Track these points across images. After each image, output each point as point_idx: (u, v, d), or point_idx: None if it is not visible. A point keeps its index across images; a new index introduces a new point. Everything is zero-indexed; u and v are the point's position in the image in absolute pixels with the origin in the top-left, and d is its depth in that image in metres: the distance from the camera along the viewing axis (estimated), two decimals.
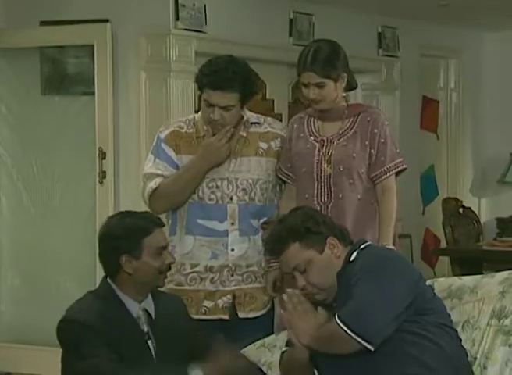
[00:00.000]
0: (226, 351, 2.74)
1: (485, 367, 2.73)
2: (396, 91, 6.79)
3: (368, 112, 3.35)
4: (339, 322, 2.57)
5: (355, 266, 2.69)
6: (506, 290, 2.82)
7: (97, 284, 5.49)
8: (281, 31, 5.89)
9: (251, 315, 3.37)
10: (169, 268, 2.85)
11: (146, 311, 2.79)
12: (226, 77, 3.22)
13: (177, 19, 5.10)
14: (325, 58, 3.25)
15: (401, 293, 2.60)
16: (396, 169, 3.32)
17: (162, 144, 3.36)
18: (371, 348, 2.54)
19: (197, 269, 3.34)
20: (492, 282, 2.88)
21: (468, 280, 2.95)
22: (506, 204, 7.54)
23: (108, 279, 2.82)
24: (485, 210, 7.75)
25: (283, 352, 2.86)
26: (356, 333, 2.54)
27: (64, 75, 5.34)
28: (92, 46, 5.11)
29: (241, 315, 3.35)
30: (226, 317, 3.34)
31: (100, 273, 4.98)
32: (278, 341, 3.04)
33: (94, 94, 5.14)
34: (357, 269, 2.66)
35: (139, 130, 5.09)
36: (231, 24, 5.44)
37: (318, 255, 2.74)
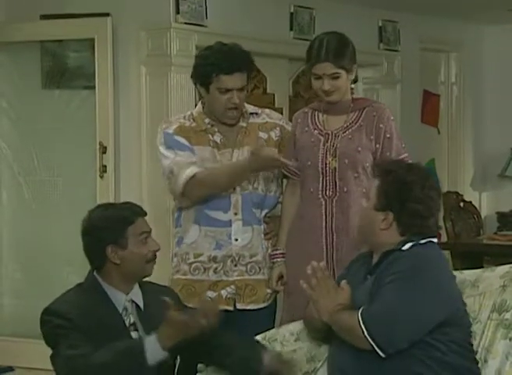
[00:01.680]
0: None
1: (485, 361, 2.73)
2: (396, 84, 6.78)
3: (373, 107, 3.34)
4: (360, 321, 2.57)
5: (401, 259, 2.65)
6: (506, 284, 2.82)
7: None
8: (282, 25, 5.88)
9: (251, 307, 3.37)
10: (155, 256, 2.84)
11: (133, 302, 2.79)
12: (238, 59, 3.27)
13: (178, 12, 5.09)
14: (339, 49, 3.24)
15: (434, 313, 2.60)
16: None
17: (176, 137, 3.35)
18: (382, 355, 2.57)
19: (200, 258, 3.36)
20: (492, 276, 2.88)
21: (469, 274, 2.95)
22: (507, 198, 7.54)
23: (94, 272, 2.82)
24: (486, 204, 7.75)
25: None
26: (372, 339, 2.55)
27: (64, 69, 5.33)
28: (93, 40, 5.10)
29: (239, 306, 3.36)
30: (230, 308, 3.35)
31: None
32: (278, 335, 3.04)
33: (94, 88, 5.13)
34: (402, 265, 2.63)
35: (139, 124, 5.09)
36: (232, 18, 5.43)
37: (373, 209, 2.74)
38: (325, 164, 3.28)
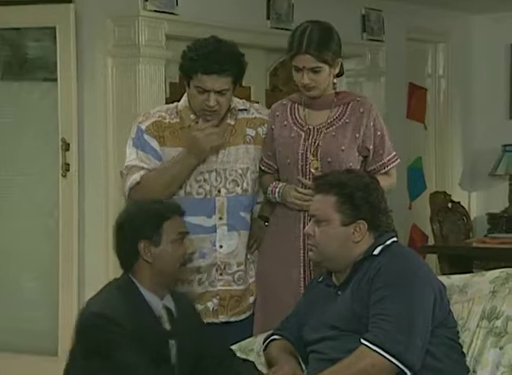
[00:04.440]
0: None
1: (474, 371, 2.75)
2: (381, 77, 6.80)
3: (358, 102, 3.30)
4: (375, 348, 2.57)
5: (382, 270, 2.68)
6: (497, 289, 2.84)
7: (60, 283, 5.43)
8: (258, 13, 5.88)
9: (234, 318, 3.34)
10: (191, 260, 2.84)
11: (167, 308, 2.78)
12: (220, 60, 3.19)
13: None
14: (322, 41, 3.20)
15: (428, 313, 2.65)
16: (393, 164, 3.31)
17: (145, 136, 3.31)
18: (409, 374, 2.58)
19: None
20: (482, 281, 2.90)
21: (457, 279, 2.97)
22: (498, 198, 7.58)
23: (128, 274, 2.78)
24: (476, 205, 7.79)
25: (271, 341, 2.90)
26: (398, 360, 2.56)
27: (24, 59, 5.31)
28: (54, 28, 5.08)
29: (223, 318, 3.33)
30: (217, 321, 3.31)
31: (63, 272, 4.99)
32: (254, 344, 3.05)
33: (56, 80, 5.11)
34: (388, 277, 2.66)
35: (105, 119, 5.07)
36: (205, 5, 5.43)
37: (340, 226, 2.76)
38: (306, 162, 3.26)
